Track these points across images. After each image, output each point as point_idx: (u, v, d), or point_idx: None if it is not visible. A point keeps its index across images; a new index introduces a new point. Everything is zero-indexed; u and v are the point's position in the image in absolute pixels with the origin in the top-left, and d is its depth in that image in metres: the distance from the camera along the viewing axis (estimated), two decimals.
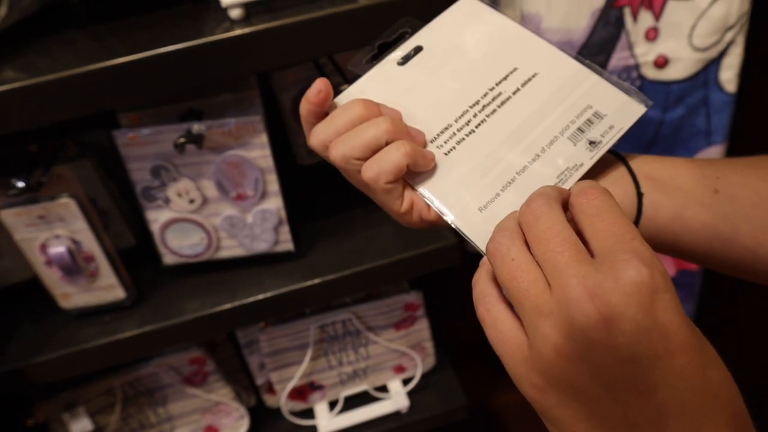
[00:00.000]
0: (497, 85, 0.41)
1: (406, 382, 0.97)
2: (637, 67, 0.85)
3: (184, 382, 0.86)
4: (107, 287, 0.71)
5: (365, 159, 0.38)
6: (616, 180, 0.41)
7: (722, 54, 0.84)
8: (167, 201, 0.69)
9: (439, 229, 0.77)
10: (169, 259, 0.75)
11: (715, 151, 0.92)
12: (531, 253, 0.30)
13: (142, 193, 0.69)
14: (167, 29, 0.58)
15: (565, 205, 0.32)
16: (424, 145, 0.40)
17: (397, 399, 0.94)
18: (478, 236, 0.37)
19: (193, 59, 0.55)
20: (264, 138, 0.66)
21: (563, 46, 0.82)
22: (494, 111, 0.41)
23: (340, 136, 0.38)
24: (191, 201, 0.69)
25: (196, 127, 0.65)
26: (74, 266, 0.68)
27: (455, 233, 0.38)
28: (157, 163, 0.66)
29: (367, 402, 0.94)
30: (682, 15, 0.81)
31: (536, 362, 0.28)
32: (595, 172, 0.41)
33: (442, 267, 0.78)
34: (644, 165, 0.42)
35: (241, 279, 0.75)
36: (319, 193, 0.86)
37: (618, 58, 0.84)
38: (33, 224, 0.65)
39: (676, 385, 0.26)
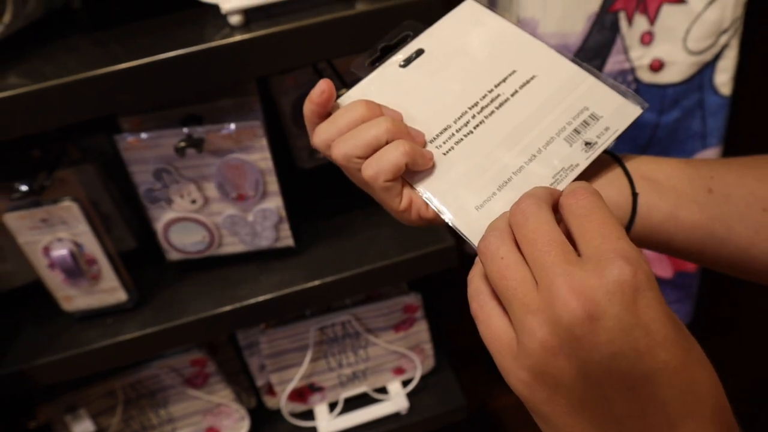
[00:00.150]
0: (496, 87, 0.42)
1: (405, 383, 0.97)
2: (632, 70, 0.86)
3: (185, 383, 0.86)
4: (109, 290, 0.72)
5: (366, 158, 0.39)
6: (612, 180, 0.42)
7: (717, 57, 0.85)
8: (170, 202, 0.70)
9: (438, 231, 0.78)
10: (172, 255, 0.76)
11: (711, 153, 0.92)
12: (520, 253, 0.30)
13: (145, 194, 0.70)
14: (168, 35, 0.59)
15: (556, 206, 0.33)
16: (424, 144, 0.40)
17: (396, 400, 0.95)
18: (475, 234, 0.37)
19: (193, 65, 0.56)
20: (264, 142, 0.67)
21: (559, 50, 0.83)
22: (492, 112, 0.41)
23: (342, 136, 0.39)
24: (193, 201, 0.70)
25: (196, 132, 0.66)
26: (76, 269, 0.68)
27: (453, 233, 0.39)
28: (158, 166, 0.67)
29: (366, 403, 0.95)
30: (677, 19, 0.82)
31: (524, 358, 0.29)
32: (591, 173, 0.41)
33: (440, 269, 0.79)
34: (640, 165, 0.43)
35: (242, 281, 0.76)
36: (319, 196, 0.87)
37: (613, 62, 0.85)
38: (36, 227, 0.66)
39: (659, 381, 0.27)
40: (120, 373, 0.83)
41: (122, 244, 0.81)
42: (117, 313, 0.74)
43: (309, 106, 0.40)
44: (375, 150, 0.39)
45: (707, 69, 0.86)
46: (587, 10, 0.80)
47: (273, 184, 0.71)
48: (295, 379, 0.90)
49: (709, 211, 0.42)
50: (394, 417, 0.95)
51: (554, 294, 0.27)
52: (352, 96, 0.42)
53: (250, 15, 0.57)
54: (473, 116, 0.41)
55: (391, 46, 0.44)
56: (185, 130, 0.66)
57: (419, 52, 0.44)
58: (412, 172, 0.40)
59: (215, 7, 0.56)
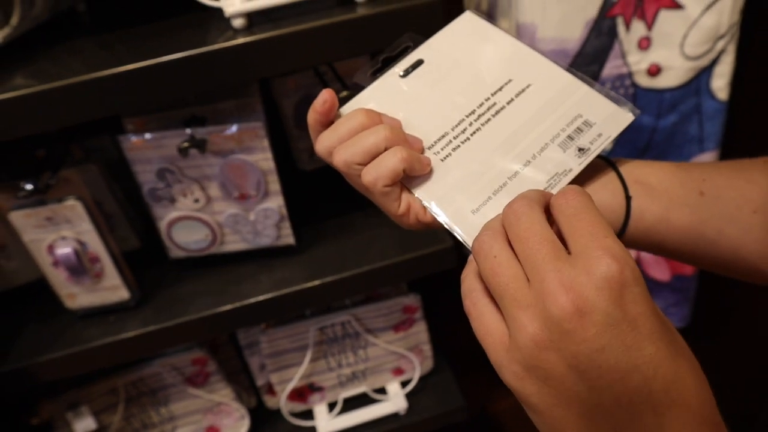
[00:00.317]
0: (492, 95, 0.44)
1: (404, 384, 0.98)
2: (630, 75, 0.87)
3: (186, 382, 0.87)
4: (112, 288, 0.73)
5: (365, 164, 0.40)
6: (606, 185, 0.43)
7: (714, 62, 0.86)
8: (173, 201, 0.72)
9: (437, 232, 0.79)
10: (175, 253, 0.77)
11: (708, 157, 0.93)
12: (513, 251, 0.31)
13: (148, 193, 0.71)
14: (172, 38, 0.60)
15: (548, 208, 0.34)
16: (422, 151, 0.42)
17: (395, 401, 0.96)
18: (471, 237, 0.38)
19: (196, 67, 0.57)
20: (265, 143, 0.68)
21: (558, 55, 0.84)
22: (489, 120, 0.43)
23: (343, 143, 0.41)
24: (196, 201, 0.72)
25: (199, 133, 0.67)
26: (80, 267, 0.69)
27: (450, 235, 0.40)
28: (162, 166, 0.68)
29: (365, 403, 0.96)
30: (674, 25, 0.83)
31: (515, 352, 0.30)
32: (586, 177, 0.42)
33: (439, 270, 0.79)
34: (633, 169, 0.44)
35: (243, 279, 0.77)
36: (319, 198, 0.88)
37: (611, 67, 0.86)
38: (41, 226, 0.67)
39: (645, 373, 0.28)
40: (122, 371, 0.84)
41: (125, 244, 0.82)
42: (119, 311, 0.75)
43: (312, 115, 0.42)
44: (374, 157, 0.40)
45: (704, 74, 0.87)
46: (585, 15, 0.81)
47: (274, 184, 0.72)
48: (295, 378, 0.91)
49: (700, 213, 0.43)
50: (393, 417, 0.95)
51: (545, 290, 0.29)
52: (353, 105, 0.44)
53: (253, 18, 0.58)
54: (470, 124, 0.43)
55: (392, 57, 0.46)
56: (188, 130, 0.67)
57: (419, 63, 0.45)
58: (410, 178, 0.41)
59: (219, 11, 0.57)
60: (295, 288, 0.75)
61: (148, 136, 0.66)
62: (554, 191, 0.40)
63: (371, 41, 0.59)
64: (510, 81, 0.44)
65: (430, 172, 0.41)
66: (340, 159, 0.40)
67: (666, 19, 0.83)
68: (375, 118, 0.41)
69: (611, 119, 0.42)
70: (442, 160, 0.42)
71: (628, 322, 0.28)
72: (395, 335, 0.93)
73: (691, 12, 0.82)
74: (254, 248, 0.77)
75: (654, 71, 0.87)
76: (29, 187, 0.66)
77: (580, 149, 0.41)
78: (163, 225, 0.74)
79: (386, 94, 0.44)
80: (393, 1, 0.58)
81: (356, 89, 0.45)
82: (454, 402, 0.97)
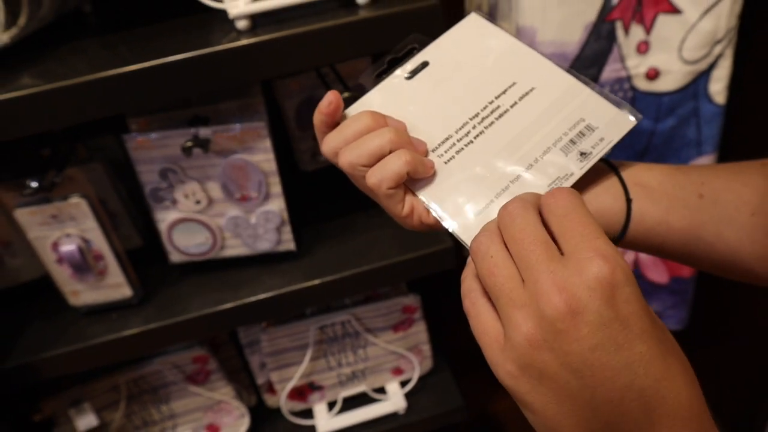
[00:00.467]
0: (496, 98, 0.44)
1: (403, 384, 0.99)
2: (629, 78, 0.88)
3: (187, 380, 0.88)
4: (115, 285, 0.74)
5: (370, 166, 0.41)
6: (608, 188, 0.44)
7: (711, 67, 0.87)
8: (174, 202, 0.72)
9: (437, 233, 0.80)
10: (175, 257, 0.77)
11: (706, 160, 0.94)
12: (509, 252, 0.32)
13: (151, 194, 0.71)
14: (176, 39, 0.61)
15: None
16: (426, 154, 0.42)
17: (394, 400, 0.96)
18: (472, 239, 0.39)
19: (200, 67, 0.58)
20: (268, 143, 0.69)
21: (557, 58, 0.85)
22: (492, 123, 0.43)
23: (349, 145, 0.41)
24: (197, 202, 0.72)
25: (203, 132, 0.67)
26: (84, 264, 0.70)
27: (452, 236, 0.40)
28: (165, 166, 0.69)
29: (365, 403, 0.96)
30: (672, 29, 0.84)
31: (510, 350, 0.30)
32: (587, 180, 0.43)
33: (439, 270, 0.80)
34: (634, 172, 0.45)
35: (244, 279, 0.78)
36: (320, 198, 0.89)
37: (610, 70, 0.87)
38: (46, 223, 0.68)
39: (636, 370, 0.28)
40: (123, 369, 0.85)
41: (128, 243, 0.83)
42: (122, 309, 0.76)
43: (318, 116, 0.43)
44: (379, 159, 0.41)
45: (702, 78, 0.88)
46: (584, 19, 0.82)
47: (276, 186, 0.72)
48: (295, 377, 0.92)
49: (699, 215, 0.44)
50: (392, 417, 0.96)
51: (538, 290, 0.29)
52: (359, 106, 0.44)
53: (257, 20, 0.59)
54: (474, 127, 0.43)
55: (398, 59, 0.46)
56: (192, 130, 0.67)
57: (424, 65, 0.45)
58: (414, 180, 0.41)
59: (223, 12, 0.58)
60: (295, 287, 0.76)
61: (152, 135, 0.67)
62: None
63: (373, 43, 0.60)
64: (514, 84, 0.44)
65: (434, 175, 0.42)
66: (346, 160, 0.41)
67: (664, 23, 0.84)
68: (380, 121, 0.42)
69: (613, 123, 0.43)
70: (445, 163, 0.42)
71: (620, 321, 0.28)
72: (395, 335, 0.94)
73: (689, 17, 0.83)
74: (254, 254, 0.78)
75: (652, 75, 0.88)
76: (35, 185, 0.67)
77: (582, 153, 0.42)
78: (164, 227, 0.74)
79: (392, 95, 0.45)
80: (394, 4, 0.59)
81: (359, 90, 0.45)
82: (453, 402, 0.98)
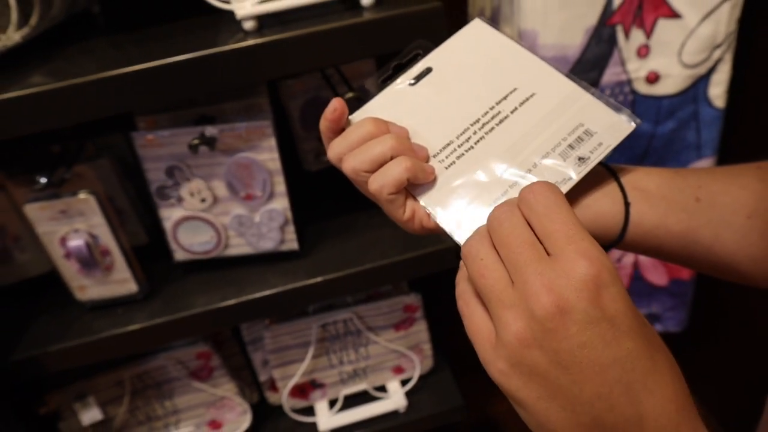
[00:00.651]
0: (497, 104, 0.45)
1: (404, 382, 1.00)
2: (629, 82, 0.89)
3: (190, 376, 0.89)
4: (121, 281, 0.75)
5: (372, 172, 0.42)
6: (607, 192, 0.45)
7: (711, 71, 0.88)
8: (180, 200, 0.73)
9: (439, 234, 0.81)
10: (180, 255, 0.78)
11: (706, 163, 0.95)
12: (498, 255, 0.33)
13: (157, 192, 0.73)
14: (183, 39, 0.62)
15: None
16: (427, 159, 0.43)
17: (395, 399, 0.97)
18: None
19: (207, 67, 0.59)
20: (272, 142, 0.70)
21: (558, 61, 0.86)
22: (493, 129, 0.44)
23: (352, 151, 0.42)
24: (203, 200, 0.73)
25: (209, 130, 0.69)
26: (91, 259, 0.71)
27: (452, 240, 0.41)
28: (171, 164, 0.70)
29: (366, 401, 0.97)
30: (672, 33, 0.85)
31: (501, 349, 0.31)
32: (586, 184, 0.44)
33: (440, 270, 0.81)
34: (632, 176, 0.45)
35: (247, 276, 0.79)
36: (324, 197, 0.90)
37: (611, 74, 0.88)
38: (55, 218, 0.69)
39: (624, 366, 0.29)
40: (128, 364, 0.86)
41: (134, 239, 0.84)
42: (127, 304, 0.77)
43: (323, 123, 0.44)
44: (381, 165, 0.42)
45: (702, 82, 0.89)
46: (585, 23, 0.83)
47: (280, 185, 0.74)
48: (297, 374, 0.93)
49: (696, 218, 0.44)
50: (393, 415, 0.97)
51: (527, 291, 0.30)
52: (363, 113, 0.45)
53: (263, 21, 0.60)
54: (474, 132, 0.44)
55: (403, 65, 0.47)
56: (199, 128, 0.69)
57: (428, 71, 0.46)
58: (415, 185, 0.42)
59: (229, 13, 0.59)
60: (297, 284, 0.77)
61: (159, 132, 0.69)
62: None
63: (377, 44, 0.61)
64: (515, 89, 0.45)
65: (435, 180, 0.43)
66: (349, 166, 0.42)
67: (664, 27, 0.85)
68: (382, 127, 0.43)
69: (612, 128, 0.43)
70: (446, 168, 0.43)
71: (607, 320, 0.29)
72: (396, 334, 0.95)
73: (689, 21, 0.84)
74: (257, 253, 0.79)
75: (653, 78, 0.89)
76: (44, 180, 0.68)
77: (581, 158, 0.42)
78: (169, 225, 0.76)
79: (395, 102, 0.46)
80: (398, 6, 0.60)
81: (362, 91, 0.47)
82: (453, 401, 0.99)
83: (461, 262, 0.36)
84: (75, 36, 0.67)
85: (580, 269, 0.30)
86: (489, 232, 0.34)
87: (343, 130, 0.44)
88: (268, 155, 0.71)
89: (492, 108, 0.44)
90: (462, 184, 0.42)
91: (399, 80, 0.46)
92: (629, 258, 1.05)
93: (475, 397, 1.14)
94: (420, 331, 0.96)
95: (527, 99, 0.45)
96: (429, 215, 0.42)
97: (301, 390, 0.96)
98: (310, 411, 0.98)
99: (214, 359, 0.89)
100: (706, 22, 0.83)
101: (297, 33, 0.59)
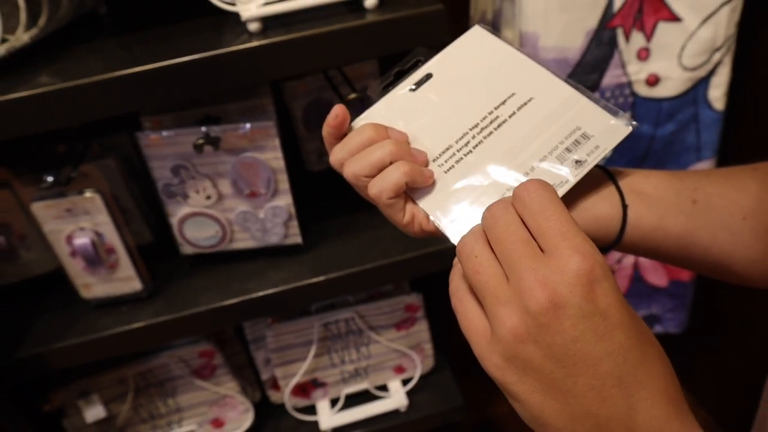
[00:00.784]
0: (496, 109, 0.45)
1: (405, 382, 1.00)
2: (629, 84, 0.90)
3: (193, 374, 0.90)
4: (126, 279, 0.76)
5: (372, 176, 0.43)
6: (605, 195, 0.45)
7: (711, 73, 0.89)
8: (186, 197, 0.74)
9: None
10: (186, 249, 0.80)
11: (705, 165, 0.96)
12: (493, 252, 0.34)
13: (163, 189, 0.74)
14: (189, 40, 0.63)
15: None
16: (426, 164, 0.44)
17: (396, 398, 0.98)
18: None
19: (212, 68, 0.60)
20: (276, 142, 0.71)
21: (559, 64, 0.87)
22: (491, 133, 0.45)
23: (353, 157, 0.43)
24: (208, 197, 0.74)
25: (214, 131, 0.70)
26: (96, 257, 0.72)
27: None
28: (177, 163, 0.71)
29: (367, 400, 0.98)
30: (672, 36, 0.86)
31: (496, 344, 0.32)
32: (584, 187, 0.44)
33: (441, 269, 0.82)
34: (630, 179, 0.46)
35: (251, 273, 0.80)
36: (326, 197, 0.91)
37: (611, 76, 0.89)
38: (60, 217, 0.70)
39: (616, 359, 0.30)
40: (132, 362, 0.87)
41: (139, 238, 0.84)
42: (132, 302, 0.78)
43: (326, 128, 0.45)
44: (380, 170, 0.42)
45: (701, 84, 0.90)
46: (586, 25, 0.84)
47: (284, 183, 0.75)
48: (299, 373, 0.93)
49: (694, 220, 0.45)
50: (394, 414, 0.98)
51: (522, 287, 0.31)
52: (365, 119, 0.46)
53: (268, 23, 0.61)
54: (473, 137, 0.45)
55: (404, 71, 0.48)
56: (203, 128, 0.70)
57: (428, 77, 0.47)
58: (414, 189, 0.43)
59: (235, 15, 0.60)
60: (300, 283, 0.78)
61: (165, 132, 0.69)
62: None
63: (379, 46, 0.62)
64: (513, 94, 0.46)
65: (434, 184, 0.43)
66: (350, 172, 0.43)
67: (665, 30, 0.86)
68: (382, 133, 0.44)
69: (609, 132, 0.44)
70: (445, 172, 0.44)
71: (600, 314, 0.30)
72: (397, 333, 0.96)
73: (689, 24, 0.85)
74: (262, 246, 0.80)
75: (653, 81, 0.90)
76: (51, 179, 0.69)
77: (577, 161, 0.43)
78: (175, 221, 0.77)
79: (396, 107, 0.47)
80: (401, 9, 0.61)
81: (364, 93, 0.48)
82: (453, 401, 0.99)
83: (455, 260, 0.37)
84: (82, 36, 0.68)
85: (574, 265, 0.30)
86: (484, 229, 0.35)
87: (345, 135, 0.45)
88: (271, 154, 0.72)
89: (490, 113, 0.45)
90: (461, 187, 0.43)
91: (400, 86, 0.47)
92: (629, 259, 1.06)
93: (476, 397, 1.15)
94: (421, 330, 0.97)
95: (525, 103, 0.45)
96: (428, 218, 0.43)
97: (303, 389, 0.97)
98: (311, 410, 0.98)
99: (217, 358, 0.89)
100: (706, 26, 0.84)
101: (301, 34, 0.59)
